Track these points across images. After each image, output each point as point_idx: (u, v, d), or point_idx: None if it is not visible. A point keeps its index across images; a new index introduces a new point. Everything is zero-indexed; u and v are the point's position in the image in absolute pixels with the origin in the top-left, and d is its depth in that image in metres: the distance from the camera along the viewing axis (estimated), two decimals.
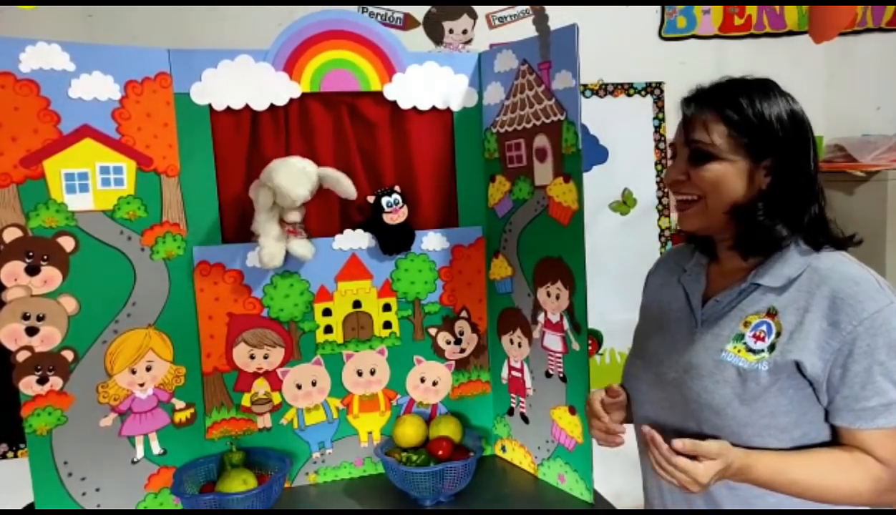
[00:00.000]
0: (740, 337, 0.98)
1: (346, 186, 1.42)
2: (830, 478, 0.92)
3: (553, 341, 1.42)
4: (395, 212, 1.47)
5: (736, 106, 0.96)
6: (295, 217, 1.41)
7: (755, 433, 0.95)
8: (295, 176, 1.35)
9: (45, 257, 1.25)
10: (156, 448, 1.39)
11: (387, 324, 1.53)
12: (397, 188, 1.49)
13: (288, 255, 1.41)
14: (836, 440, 0.95)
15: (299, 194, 1.35)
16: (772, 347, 0.95)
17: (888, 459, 0.91)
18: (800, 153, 0.97)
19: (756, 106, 0.96)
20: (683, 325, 1.07)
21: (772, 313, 0.96)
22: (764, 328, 0.96)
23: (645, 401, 1.11)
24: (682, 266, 1.14)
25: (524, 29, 2.08)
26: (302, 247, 1.41)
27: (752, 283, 0.99)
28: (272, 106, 1.41)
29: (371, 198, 1.48)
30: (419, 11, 2.03)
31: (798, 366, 0.93)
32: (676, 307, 1.11)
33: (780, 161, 0.96)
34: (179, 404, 1.41)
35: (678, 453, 0.91)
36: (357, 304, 1.51)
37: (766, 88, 0.98)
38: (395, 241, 1.49)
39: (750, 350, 0.96)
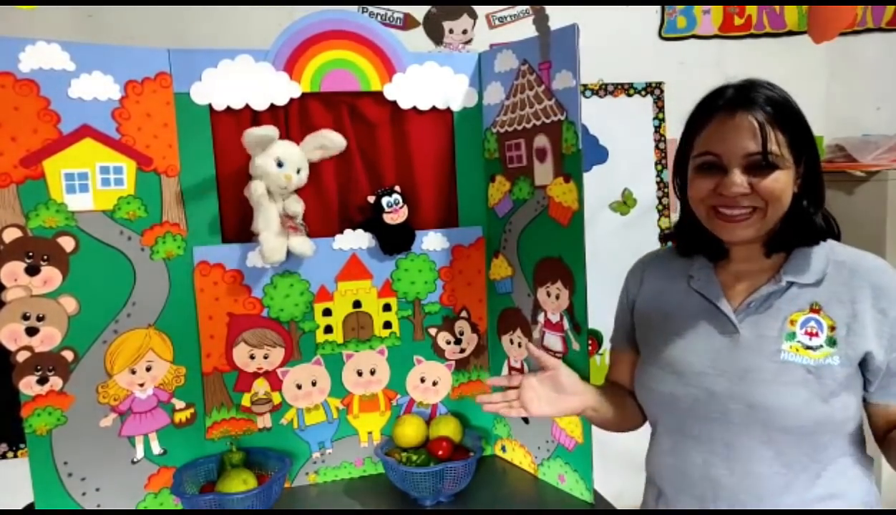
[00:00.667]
0: (792, 335, 0.97)
1: (328, 136, 1.40)
2: None
3: (553, 341, 1.42)
4: (395, 212, 1.47)
5: (789, 113, 0.96)
6: (296, 207, 1.40)
7: (830, 430, 0.96)
8: (270, 150, 1.35)
9: (45, 257, 1.25)
10: (156, 449, 1.39)
11: (387, 324, 1.53)
12: (397, 188, 1.49)
13: (289, 254, 1.41)
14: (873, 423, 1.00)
15: (288, 151, 1.34)
16: (831, 341, 0.96)
17: None
18: (817, 151, 1.00)
19: (799, 112, 0.97)
20: (717, 331, 1.03)
21: (816, 308, 0.97)
22: (813, 323, 0.97)
23: (681, 415, 1.04)
24: (681, 272, 1.11)
25: (524, 29, 2.08)
26: (302, 243, 1.41)
27: (787, 282, 0.99)
28: (272, 106, 1.41)
29: (371, 198, 1.48)
30: (419, 11, 2.03)
31: (867, 357, 0.95)
32: (695, 313, 1.06)
33: (808, 161, 0.98)
34: (179, 404, 1.41)
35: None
36: (357, 304, 1.51)
37: (783, 90, 0.99)
38: (395, 241, 1.49)
39: (807, 347, 0.96)
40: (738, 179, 0.95)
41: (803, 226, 0.99)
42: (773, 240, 1.00)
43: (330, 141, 1.40)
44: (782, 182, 0.95)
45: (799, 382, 0.95)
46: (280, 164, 1.35)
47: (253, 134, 1.31)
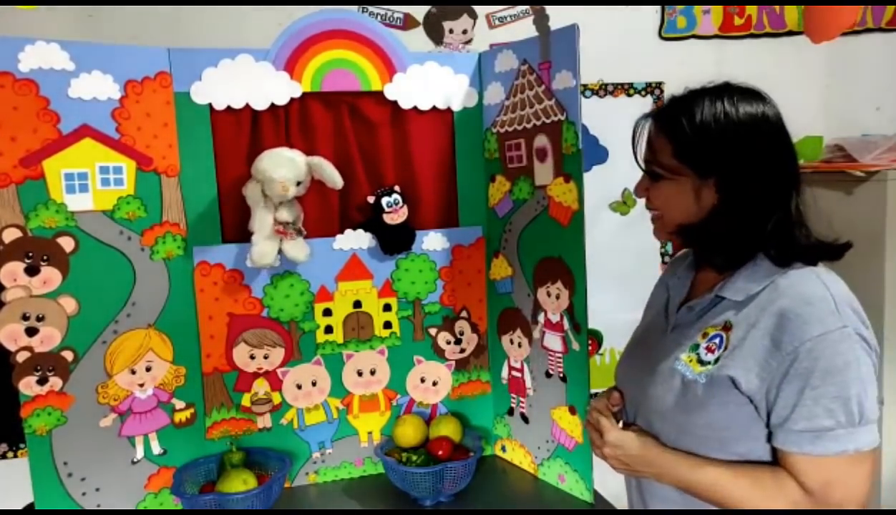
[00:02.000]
0: (696, 347, 0.98)
1: (329, 172, 1.40)
2: (746, 492, 0.91)
3: (553, 341, 1.42)
4: (395, 212, 1.47)
5: (675, 122, 0.95)
6: (285, 216, 1.39)
7: (694, 442, 0.97)
8: (277, 159, 1.35)
9: (45, 257, 1.25)
10: (156, 449, 1.39)
11: (387, 324, 1.53)
12: (397, 188, 1.49)
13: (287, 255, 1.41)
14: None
15: (280, 175, 1.33)
16: (717, 360, 0.94)
17: (811, 487, 0.88)
18: (754, 163, 0.92)
19: (697, 120, 0.93)
20: (658, 329, 1.10)
21: (727, 327, 0.95)
22: (717, 340, 0.96)
23: (627, 397, 1.12)
24: (676, 270, 1.14)
25: (524, 29, 2.08)
26: (294, 248, 1.40)
27: (717, 296, 0.99)
28: (273, 105, 1.41)
29: (371, 199, 1.48)
30: (419, 11, 2.02)
31: (734, 382, 0.91)
32: (659, 310, 1.13)
33: (727, 176, 0.93)
34: (179, 404, 1.41)
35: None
36: (357, 304, 1.51)
37: (719, 97, 0.94)
38: (395, 241, 1.49)
39: (700, 361, 0.97)
40: (640, 184, 1.05)
41: (703, 243, 1.01)
42: (701, 256, 1.05)
43: (328, 175, 1.40)
44: (665, 191, 0.99)
45: (672, 390, 0.98)
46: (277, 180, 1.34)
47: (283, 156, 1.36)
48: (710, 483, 0.94)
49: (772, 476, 0.91)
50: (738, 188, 0.93)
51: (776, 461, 0.92)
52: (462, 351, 1.59)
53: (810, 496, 0.88)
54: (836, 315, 0.88)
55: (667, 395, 0.99)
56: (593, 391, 1.38)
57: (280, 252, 1.40)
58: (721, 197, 0.94)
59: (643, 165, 1.03)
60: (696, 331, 1.00)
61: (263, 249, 1.36)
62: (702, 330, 0.99)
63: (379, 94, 1.46)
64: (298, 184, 1.38)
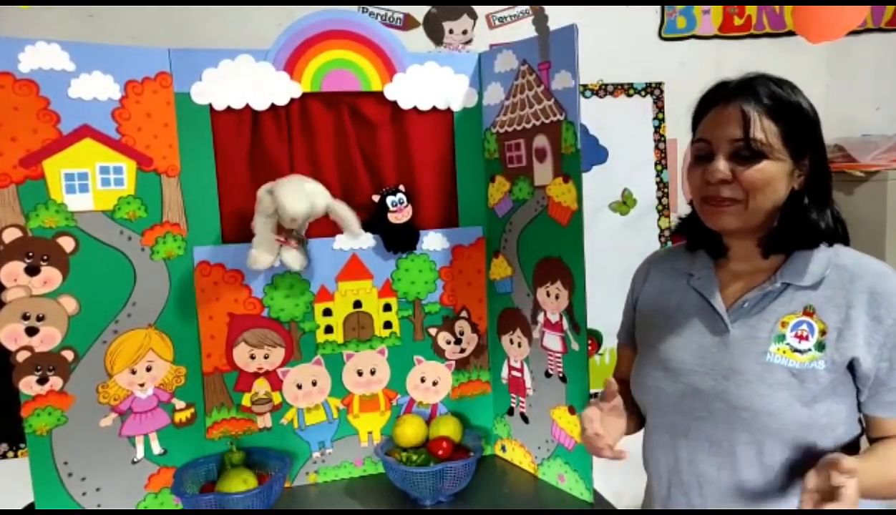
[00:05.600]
0: (781, 337, 0.96)
1: (349, 222, 1.40)
2: (888, 469, 0.93)
3: (553, 341, 1.42)
4: (399, 211, 1.48)
5: (787, 105, 0.95)
6: (289, 227, 1.40)
7: (813, 435, 0.94)
8: (296, 193, 1.33)
9: (45, 257, 1.25)
10: (156, 448, 1.39)
11: (387, 324, 1.53)
12: (402, 187, 1.49)
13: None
14: (868, 434, 0.97)
15: (294, 209, 1.31)
16: (820, 346, 0.94)
17: None
18: (824, 148, 0.99)
19: (801, 107, 0.96)
20: (708, 330, 1.03)
21: (809, 311, 0.96)
22: (805, 327, 0.96)
23: (670, 411, 1.05)
24: (684, 270, 1.11)
25: (524, 29, 2.08)
26: (292, 258, 1.40)
27: (783, 283, 0.98)
28: (273, 105, 1.41)
29: (376, 198, 1.48)
30: (419, 11, 2.02)
31: (854, 363, 0.94)
32: (691, 311, 1.07)
33: (814, 159, 0.98)
34: (180, 404, 1.41)
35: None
36: (357, 304, 1.51)
37: (795, 87, 0.98)
38: (399, 240, 1.49)
39: (795, 350, 0.95)
40: (721, 165, 0.95)
41: (801, 226, 0.97)
42: (770, 240, 0.99)
43: (350, 227, 1.40)
44: (768, 173, 0.94)
45: (782, 384, 0.95)
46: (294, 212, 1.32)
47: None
48: (877, 474, 0.91)
49: (888, 447, 0.94)
50: (822, 170, 0.99)
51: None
52: (462, 351, 1.59)
53: None
54: None
55: (777, 393, 0.94)
56: (593, 391, 1.38)
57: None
58: (807, 178, 0.98)
59: (733, 143, 0.95)
60: (767, 323, 0.98)
61: (257, 257, 1.37)
62: (776, 320, 0.98)
63: (379, 95, 1.47)
64: (309, 216, 1.38)
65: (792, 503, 0.97)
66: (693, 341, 1.05)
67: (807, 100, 0.98)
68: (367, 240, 1.50)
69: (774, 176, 0.95)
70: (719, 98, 0.99)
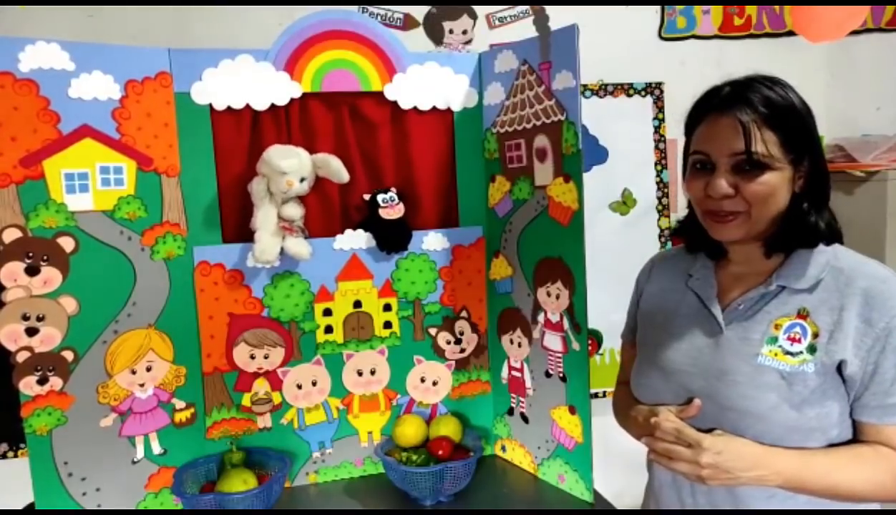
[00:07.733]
0: (773, 340, 0.96)
1: (335, 167, 1.41)
2: (855, 473, 0.92)
3: (553, 341, 1.42)
4: (391, 208, 1.47)
5: (783, 109, 0.93)
6: (291, 212, 1.41)
7: (801, 437, 0.94)
8: (284, 151, 1.37)
9: (45, 257, 1.25)
10: (156, 448, 1.39)
11: (387, 324, 1.53)
12: (393, 188, 1.49)
13: (287, 254, 1.41)
14: (856, 437, 0.96)
15: (288, 165, 1.34)
16: (812, 349, 0.94)
17: None
18: (821, 148, 0.98)
19: (797, 110, 0.95)
20: (703, 331, 1.04)
21: (803, 314, 0.96)
22: (798, 329, 0.95)
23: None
24: (685, 270, 1.11)
25: (524, 29, 2.08)
26: (297, 245, 1.41)
27: (779, 286, 0.98)
28: (273, 105, 1.41)
29: (367, 196, 1.48)
30: (419, 11, 2.02)
31: (842, 365, 0.93)
32: (689, 312, 1.07)
33: (812, 160, 0.97)
34: (180, 404, 1.41)
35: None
36: (357, 304, 1.51)
37: (785, 84, 0.96)
38: (391, 238, 1.49)
39: (787, 352, 0.95)
40: (722, 181, 0.95)
41: (801, 227, 0.97)
42: (771, 241, 0.99)
43: (334, 169, 1.42)
44: (771, 184, 0.93)
45: (771, 386, 0.94)
46: (286, 171, 1.35)
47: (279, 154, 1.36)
48: (822, 472, 0.92)
49: (873, 452, 0.93)
50: (820, 171, 0.98)
51: (855, 440, 0.95)
52: (462, 350, 1.59)
53: None
54: None
55: (765, 394, 0.94)
56: (593, 391, 1.38)
57: (281, 251, 1.40)
58: (806, 181, 0.97)
59: (733, 157, 0.93)
60: (761, 325, 0.98)
61: (266, 246, 1.37)
62: (769, 322, 0.97)
63: (379, 95, 1.46)
64: (303, 180, 1.39)
65: (781, 504, 0.97)
66: (688, 342, 1.05)
67: (798, 96, 0.96)
68: (367, 240, 1.50)
69: (777, 186, 0.94)
70: (712, 107, 0.97)
